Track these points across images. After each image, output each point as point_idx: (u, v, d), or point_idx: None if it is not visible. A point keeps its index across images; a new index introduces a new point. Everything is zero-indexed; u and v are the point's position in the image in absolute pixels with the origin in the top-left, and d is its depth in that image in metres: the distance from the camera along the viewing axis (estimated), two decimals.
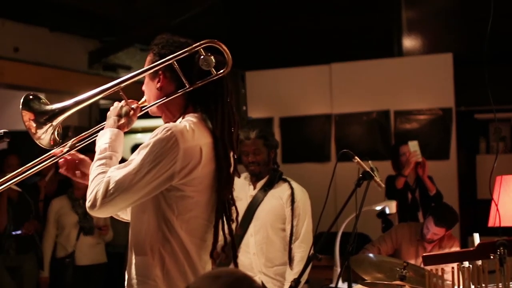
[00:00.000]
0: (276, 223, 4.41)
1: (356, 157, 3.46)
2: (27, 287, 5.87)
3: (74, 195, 5.98)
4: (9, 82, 7.52)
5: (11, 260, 5.70)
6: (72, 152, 2.78)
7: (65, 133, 3.01)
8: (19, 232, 5.77)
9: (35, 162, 2.82)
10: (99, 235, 6.06)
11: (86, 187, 2.54)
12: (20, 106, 2.66)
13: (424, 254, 3.24)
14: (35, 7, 7.50)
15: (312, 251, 3.36)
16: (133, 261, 2.57)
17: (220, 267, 3.06)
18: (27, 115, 2.67)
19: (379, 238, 5.42)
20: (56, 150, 2.78)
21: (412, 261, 4.72)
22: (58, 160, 2.79)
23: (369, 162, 3.52)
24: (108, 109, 2.72)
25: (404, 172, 6.10)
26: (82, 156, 2.84)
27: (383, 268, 3.76)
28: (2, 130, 2.64)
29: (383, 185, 3.56)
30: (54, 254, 6.03)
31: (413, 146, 6.12)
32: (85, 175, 2.78)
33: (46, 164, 2.84)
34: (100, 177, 2.47)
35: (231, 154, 2.62)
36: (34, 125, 2.68)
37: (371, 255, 4.11)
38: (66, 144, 2.79)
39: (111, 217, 5.77)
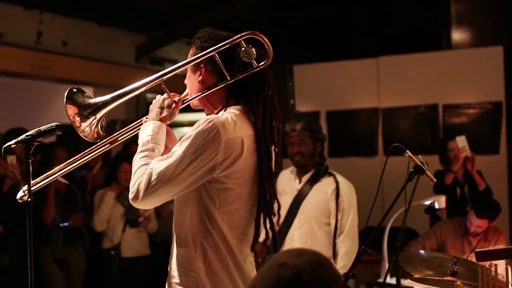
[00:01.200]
0: (320, 217, 4.37)
1: (407, 151, 3.41)
2: (75, 279, 5.93)
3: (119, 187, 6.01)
4: (58, 76, 7.62)
5: (59, 252, 5.76)
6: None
7: (112, 126, 3.03)
8: (66, 224, 5.83)
9: (82, 155, 2.85)
10: (143, 225, 6.10)
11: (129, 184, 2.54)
12: (64, 100, 2.68)
13: (476, 250, 3.16)
14: (84, 1, 7.60)
15: (362, 246, 3.31)
16: (175, 252, 2.58)
17: (264, 261, 3.03)
18: (71, 109, 2.69)
19: (423, 234, 5.37)
20: (100, 143, 2.79)
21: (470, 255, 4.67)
22: (104, 152, 2.82)
23: (419, 156, 3.45)
24: None
25: (453, 168, 6.00)
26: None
27: (433, 264, 3.69)
28: (54, 123, 2.66)
29: (434, 180, 3.51)
30: (99, 245, 6.08)
31: (461, 141, 6.02)
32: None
33: (93, 157, 2.86)
34: (142, 169, 2.48)
35: (272, 147, 2.60)
36: (78, 118, 2.70)
37: (421, 251, 4.04)
38: (107, 140, 2.81)
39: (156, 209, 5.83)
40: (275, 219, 2.63)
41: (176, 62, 8.82)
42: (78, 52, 7.77)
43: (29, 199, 2.66)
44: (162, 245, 6.38)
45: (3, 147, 2.71)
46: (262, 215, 2.57)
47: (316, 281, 1.68)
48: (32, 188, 2.71)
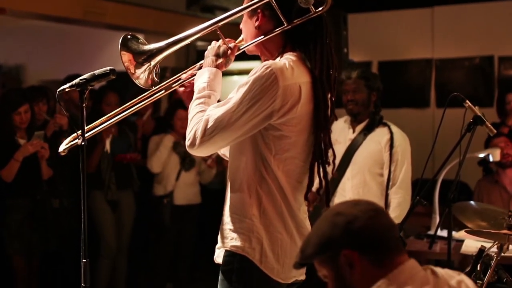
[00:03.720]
0: (373, 168, 4.33)
1: (467, 101, 3.34)
2: (125, 223, 6.01)
3: (173, 134, 6.04)
4: (110, 22, 7.63)
5: (112, 194, 5.83)
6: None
7: (163, 74, 3.02)
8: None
9: (136, 101, 2.86)
10: (202, 171, 6.13)
11: (185, 131, 2.54)
12: (119, 46, 2.67)
13: None
14: None
15: (417, 197, 3.28)
16: (230, 199, 2.58)
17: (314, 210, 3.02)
18: (126, 55, 2.69)
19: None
20: (152, 91, 2.79)
21: None
22: (155, 100, 2.82)
23: (477, 108, 3.38)
24: (205, 51, 2.70)
25: (508, 121, 5.87)
26: None
27: (487, 216, 3.63)
28: (108, 67, 2.66)
29: (494, 131, 3.44)
30: (151, 192, 6.14)
31: None
32: None
33: (147, 103, 2.87)
34: (199, 115, 2.47)
35: (329, 95, 2.56)
36: (133, 65, 2.69)
37: (472, 202, 3.98)
38: (161, 87, 2.80)
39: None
40: (329, 169, 2.61)
41: (226, 10, 8.71)
42: None
43: (82, 143, 2.68)
44: (214, 194, 6.49)
45: (58, 90, 2.73)
46: (316, 164, 2.55)
47: (369, 229, 1.69)
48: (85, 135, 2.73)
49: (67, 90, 2.71)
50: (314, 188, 2.60)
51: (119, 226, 5.99)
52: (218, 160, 6.31)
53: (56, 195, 5.47)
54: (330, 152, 2.61)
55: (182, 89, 2.80)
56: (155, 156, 5.98)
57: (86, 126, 2.77)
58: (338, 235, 1.69)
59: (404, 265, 1.69)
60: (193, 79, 2.69)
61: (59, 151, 2.93)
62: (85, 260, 2.70)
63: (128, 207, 6.01)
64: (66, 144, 2.89)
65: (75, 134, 2.76)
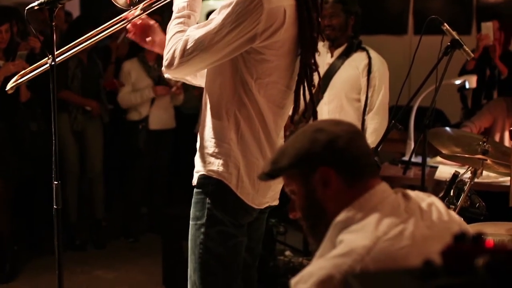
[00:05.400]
0: (351, 93, 4.30)
1: (445, 24, 3.30)
2: (95, 148, 5.97)
3: (146, 58, 5.96)
4: None
5: (77, 124, 5.76)
6: (143, 16, 2.72)
7: None
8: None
9: (112, 23, 2.79)
10: (172, 96, 6.08)
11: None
12: None
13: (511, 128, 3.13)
14: None
15: (392, 121, 3.28)
16: (207, 123, 2.55)
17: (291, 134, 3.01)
18: None
19: (477, 114, 5.28)
20: (127, 14, 2.73)
21: (507, 136, 4.65)
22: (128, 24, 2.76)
23: (455, 33, 3.35)
24: None
25: (475, 55, 5.85)
26: (152, 22, 2.79)
27: (461, 143, 3.65)
28: None
29: (472, 55, 3.41)
30: (125, 117, 6.10)
31: (486, 28, 5.75)
32: (154, 42, 2.74)
33: (117, 28, 2.80)
34: (178, 35, 2.42)
35: (315, 16, 2.51)
36: None
37: (447, 128, 3.99)
38: (138, 7, 2.73)
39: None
40: (314, 91, 2.59)
41: None
42: None
43: (53, 63, 2.63)
44: (189, 118, 6.47)
45: (26, 8, 2.65)
46: (301, 86, 2.52)
47: (350, 150, 1.68)
48: (57, 59, 2.67)
49: (36, 8, 2.63)
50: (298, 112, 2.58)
51: (88, 154, 5.96)
52: (193, 86, 6.25)
53: (34, 118, 5.41)
54: (315, 74, 2.59)
55: (130, 28, 2.75)
56: (128, 99, 5.95)
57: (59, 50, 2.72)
58: (319, 151, 1.67)
59: (375, 189, 1.68)
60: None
61: (6, 89, 2.91)
62: (56, 182, 2.69)
63: (96, 136, 5.96)
64: (13, 83, 2.86)
65: (23, 71, 2.73)
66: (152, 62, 5.96)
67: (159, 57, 5.79)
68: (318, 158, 1.67)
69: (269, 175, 1.78)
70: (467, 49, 3.33)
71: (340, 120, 1.79)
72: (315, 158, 1.68)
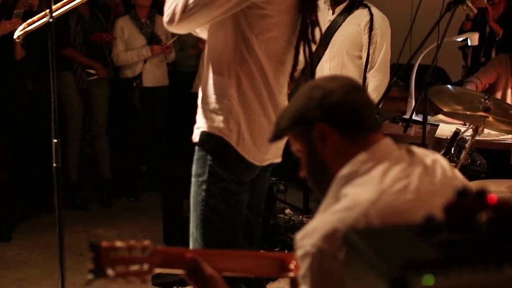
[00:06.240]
0: (352, 50, 4.26)
1: None
2: (100, 106, 5.95)
3: (138, 15, 5.90)
4: None
5: (83, 82, 5.72)
6: None
7: None
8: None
9: None
10: (163, 54, 6.05)
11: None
12: None
13: None
14: None
15: (394, 78, 3.26)
16: (208, 80, 2.54)
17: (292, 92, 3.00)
18: None
19: (482, 70, 5.24)
20: None
21: (509, 94, 4.63)
22: None
23: None
24: None
25: (470, 16, 5.78)
26: None
27: (462, 100, 3.64)
28: None
29: (475, 10, 3.37)
30: (119, 75, 6.07)
31: None
32: None
33: None
34: None
35: None
36: None
37: (449, 86, 3.97)
38: None
39: (180, 38, 5.78)
40: (314, 48, 2.56)
41: None
42: None
43: (50, 20, 2.60)
44: (187, 77, 6.45)
45: None
46: (302, 43, 2.50)
47: (344, 103, 1.66)
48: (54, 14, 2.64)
49: None
50: (298, 69, 2.56)
51: (92, 111, 5.94)
52: (194, 45, 6.23)
53: (29, 76, 5.38)
54: (316, 30, 2.56)
55: None
56: (125, 57, 5.90)
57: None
58: (312, 108, 1.66)
59: (379, 143, 1.67)
60: None
61: (14, 37, 2.87)
62: (56, 140, 2.68)
63: (101, 93, 5.93)
64: (21, 31, 2.82)
65: (30, 20, 2.69)
66: (144, 19, 5.92)
67: (151, 14, 5.84)
68: (312, 115, 1.67)
69: (273, 137, 1.79)
70: (470, 4, 3.30)
71: (339, 75, 1.78)
72: (310, 115, 1.67)
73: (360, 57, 4.26)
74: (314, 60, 2.59)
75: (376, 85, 4.20)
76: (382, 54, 4.21)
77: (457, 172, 1.77)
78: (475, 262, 1.00)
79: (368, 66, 4.23)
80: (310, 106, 1.67)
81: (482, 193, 1.15)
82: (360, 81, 4.24)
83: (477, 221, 1.11)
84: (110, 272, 1.54)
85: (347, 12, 4.29)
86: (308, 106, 1.68)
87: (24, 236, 5.21)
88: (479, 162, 3.39)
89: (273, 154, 2.66)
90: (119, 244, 1.58)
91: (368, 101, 1.73)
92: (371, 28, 4.20)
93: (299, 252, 1.55)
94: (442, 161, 1.73)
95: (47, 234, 5.00)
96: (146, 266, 1.61)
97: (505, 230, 1.08)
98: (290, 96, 2.63)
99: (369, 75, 4.23)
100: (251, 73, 2.46)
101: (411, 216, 1.48)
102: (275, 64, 2.51)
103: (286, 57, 2.53)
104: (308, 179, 1.78)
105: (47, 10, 2.62)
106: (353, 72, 4.24)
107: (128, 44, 5.93)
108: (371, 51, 4.21)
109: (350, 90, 1.69)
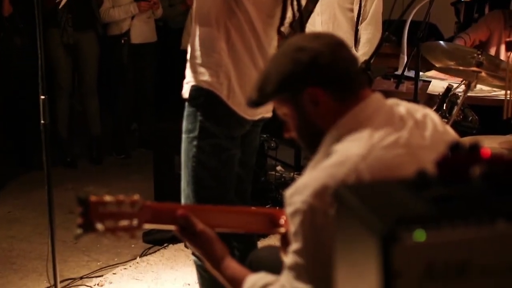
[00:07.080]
0: (343, 3, 4.21)
1: None
2: (88, 64, 5.87)
3: None
4: None
5: (68, 37, 5.62)
6: None
7: None
8: None
9: None
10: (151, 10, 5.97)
11: None
12: None
13: (507, 39, 3.08)
14: None
15: (386, 32, 3.23)
16: (197, 33, 2.50)
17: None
18: None
19: (473, 27, 5.19)
20: None
21: (503, 50, 4.58)
22: None
23: None
24: None
25: None
26: None
27: (455, 56, 3.61)
28: None
29: None
30: (107, 32, 5.98)
31: None
32: None
33: None
34: None
35: None
36: None
37: (441, 42, 3.93)
38: None
39: None
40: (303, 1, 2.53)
41: None
42: None
43: None
44: (175, 33, 6.38)
45: None
46: None
47: (334, 65, 1.63)
48: None
49: None
50: (286, 22, 2.52)
51: (82, 68, 5.86)
52: (182, 0, 6.16)
53: (17, 33, 5.30)
54: None
55: None
56: (112, 14, 5.82)
57: None
58: (302, 72, 1.62)
59: (369, 99, 1.64)
60: None
61: None
62: (43, 97, 2.65)
63: (90, 49, 5.83)
64: None
65: None
66: None
67: None
68: (303, 79, 1.62)
69: (256, 103, 1.73)
70: None
71: (318, 33, 1.73)
72: (300, 80, 1.63)
73: (352, 10, 4.21)
74: (303, 14, 2.55)
75: (368, 38, 4.17)
76: (374, 7, 4.17)
77: (448, 128, 1.75)
78: (467, 216, 0.98)
79: (360, 19, 4.19)
80: (299, 70, 1.62)
81: (475, 147, 1.13)
82: (352, 34, 4.21)
83: (470, 176, 1.08)
84: (99, 226, 1.52)
85: None
86: (296, 70, 1.62)
87: (15, 194, 5.19)
88: (471, 118, 3.38)
89: (265, 108, 2.63)
90: (108, 198, 1.56)
91: (353, 56, 1.70)
92: None
93: (289, 209, 1.53)
94: (432, 116, 1.71)
95: (37, 192, 4.96)
96: (135, 221, 1.59)
97: (498, 184, 1.07)
98: None
99: (361, 28, 4.20)
100: (240, 26, 2.43)
101: (402, 170, 1.47)
102: (264, 17, 2.47)
103: (275, 10, 2.50)
104: (298, 141, 1.75)
105: None
106: (345, 25, 4.21)
107: (115, 0, 5.83)
108: (362, 3, 4.17)
109: (336, 49, 1.64)
